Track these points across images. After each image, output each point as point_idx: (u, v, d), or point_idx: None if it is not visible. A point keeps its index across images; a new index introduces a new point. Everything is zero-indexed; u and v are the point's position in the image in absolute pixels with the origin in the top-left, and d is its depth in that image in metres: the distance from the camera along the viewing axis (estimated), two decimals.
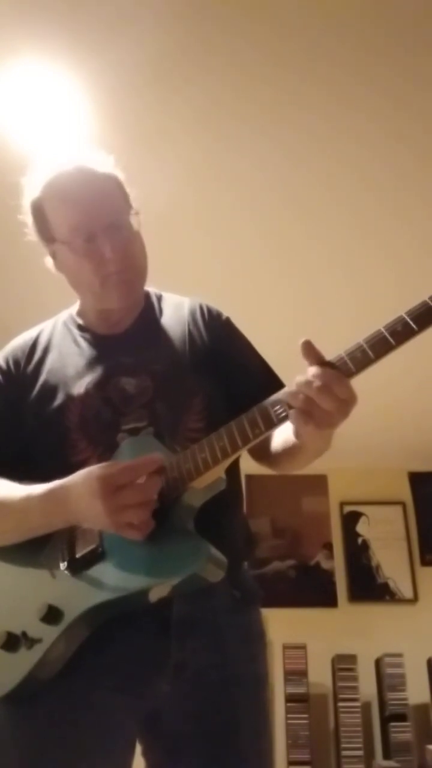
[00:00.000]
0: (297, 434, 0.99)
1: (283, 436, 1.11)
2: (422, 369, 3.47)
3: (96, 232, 1.16)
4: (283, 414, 0.96)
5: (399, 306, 0.91)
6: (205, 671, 1.07)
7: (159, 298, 1.35)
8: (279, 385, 1.24)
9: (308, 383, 0.92)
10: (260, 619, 1.19)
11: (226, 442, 1.00)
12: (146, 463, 1.01)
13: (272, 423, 0.97)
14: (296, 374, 1.04)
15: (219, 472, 1.03)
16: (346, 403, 0.92)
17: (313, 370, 0.93)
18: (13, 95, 2.37)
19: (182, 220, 2.86)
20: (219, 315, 1.33)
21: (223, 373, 1.23)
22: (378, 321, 0.92)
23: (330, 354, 0.95)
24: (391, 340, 0.89)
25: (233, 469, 1.14)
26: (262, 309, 3.26)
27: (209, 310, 1.32)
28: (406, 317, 0.89)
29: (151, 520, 0.99)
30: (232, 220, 2.92)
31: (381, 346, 0.90)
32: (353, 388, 0.93)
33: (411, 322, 0.88)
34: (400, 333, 0.89)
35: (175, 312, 1.31)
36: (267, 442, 1.17)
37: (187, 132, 2.54)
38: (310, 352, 0.95)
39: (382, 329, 0.90)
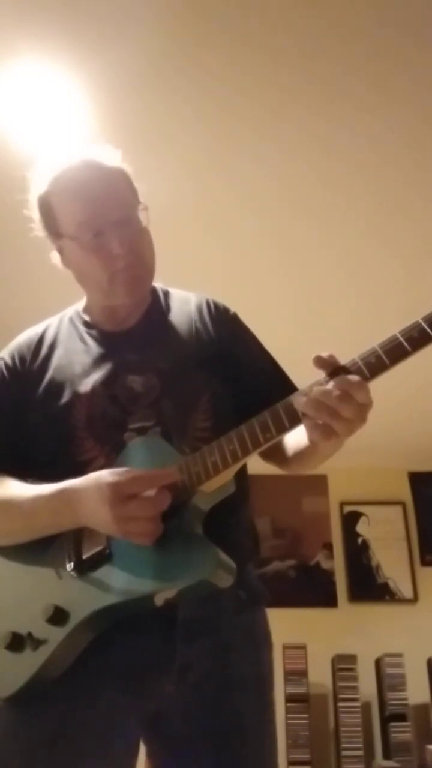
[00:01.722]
0: (313, 441, 0.98)
1: (294, 438, 1.09)
2: (423, 369, 3.46)
3: (104, 227, 1.14)
4: (294, 420, 0.95)
5: (402, 305, 0.90)
6: (210, 672, 1.06)
7: (166, 294, 1.34)
8: (287, 382, 1.23)
9: (327, 393, 0.90)
10: (265, 619, 1.19)
11: (236, 445, 0.99)
12: (159, 476, 1.00)
13: (284, 427, 0.96)
14: (300, 373, 1.04)
15: (228, 475, 1.02)
16: (365, 407, 0.91)
17: (334, 380, 0.91)
18: (13, 95, 2.37)
19: (183, 220, 2.85)
20: (226, 310, 1.32)
21: (230, 370, 1.22)
22: (381, 320, 0.91)
23: (337, 355, 0.94)
24: (407, 346, 0.87)
25: (241, 470, 1.13)
26: (264, 308, 3.25)
27: (216, 306, 1.31)
28: (423, 323, 0.87)
29: (160, 526, 0.98)
30: (233, 220, 2.92)
31: (396, 352, 0.88)
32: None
33: (428, 328, 0.86)
34: (416, 339, 0.87)
35: (182, 308, 1.30)
36: (278, 442, 1.16)
37: (188, 131, 2.54)
38: (323, 363, 0.94)
39: (398, 335, 0.88)
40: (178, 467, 1.03)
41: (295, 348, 0.95)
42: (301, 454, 1.12)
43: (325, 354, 0.94)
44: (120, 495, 0.97)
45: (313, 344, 0.96)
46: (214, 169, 2.69)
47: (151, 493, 0.98)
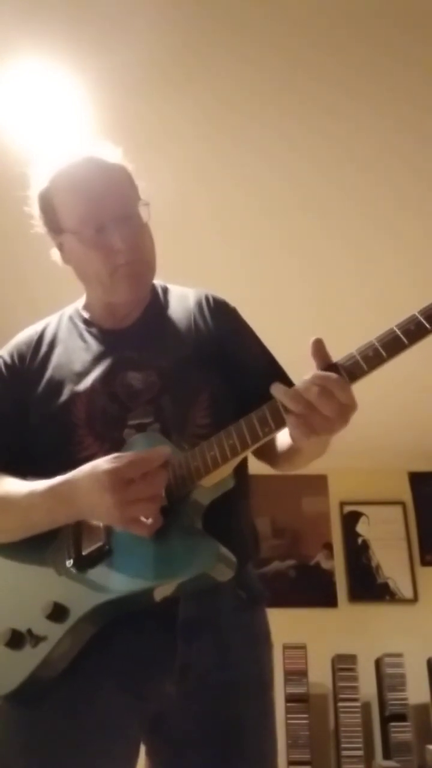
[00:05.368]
0: (294, 439, 0.98)
1: (282, 436, 1.09)
2: (423, 369, 3.46)
3: (106, 222, 1.15)
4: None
5: (414, 300, 0.90)
6: (210, 672, 1.06)
7: (164, 291, 1.34)
8: (283, 378, 1.23)
9: (308, 387, 0.91)
10: (265, 619, 1.18)
11: (235, 440, 0.99)
12: (153, 456, 1.00)
13: (283, 422, 0.95)
14: (308, 369, 1.03)
15: (227, 470, 1.02)
16: (347, 408, 0.91)
17: (315, 374, 0.92)
18: (13, 95, 2.37)
19: (190, 218, 2.85)
20: (225, 304, 1.32)
21: (228, 366, 1.22)
22: (392, 316, 0.91)
23: (343, 351, 0.94)
24: (404, 339, 0.88)
25: (241, 467, 1.13)
26: (273, 305, 3.26)
27: (215, 300, 1.31)
28: (419, 316, 0.88)
29: (159, 516, 0.98)
30: (241, 217, 2.92)
31: (393, 345, 0.89)
32: (354, 395, 0.92)
33: (424, 321, 0.87)
34: (413, 332, 0.88)
35: (181, 304, 1.30)
36: (271, 440, 1.16)
37: (192, 130, 2.54)
38: (319, 351, 0.94)
39: (395, 328, 0.89)
40: (177, 461, 1.03)
41: (304, 345, 0.94)
42: (288, 453, 1.12)
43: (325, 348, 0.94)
44: (120, 480, 0.97)
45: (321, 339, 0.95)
46: (219, 166, 2.69)
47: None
